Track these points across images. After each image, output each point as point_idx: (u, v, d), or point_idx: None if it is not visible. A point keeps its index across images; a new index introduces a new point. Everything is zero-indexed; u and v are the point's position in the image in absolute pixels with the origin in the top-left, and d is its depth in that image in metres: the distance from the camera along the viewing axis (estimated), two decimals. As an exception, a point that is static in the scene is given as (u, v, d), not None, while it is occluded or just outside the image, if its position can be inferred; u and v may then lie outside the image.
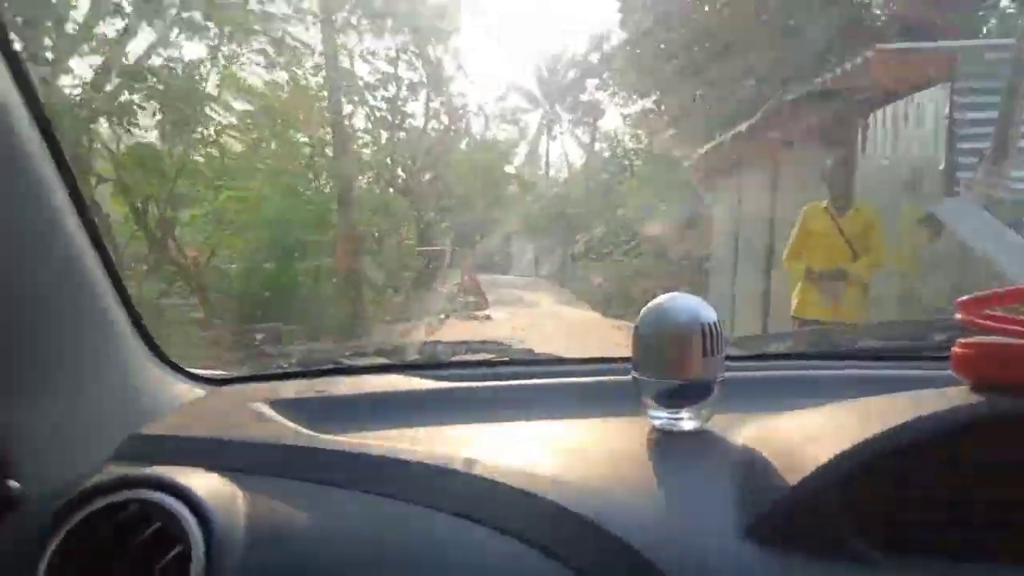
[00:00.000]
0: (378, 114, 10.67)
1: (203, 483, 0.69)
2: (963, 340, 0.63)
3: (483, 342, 1.27)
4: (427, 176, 11.09)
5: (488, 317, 8.27)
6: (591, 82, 21.42)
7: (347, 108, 9.76)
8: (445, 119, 12.08)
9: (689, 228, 6.15)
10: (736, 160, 7.38)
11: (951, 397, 0.60)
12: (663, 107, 10.38)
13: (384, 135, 10.73)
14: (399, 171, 10.65)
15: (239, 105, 7.14)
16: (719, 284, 7.15)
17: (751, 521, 0.58)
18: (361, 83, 10.24)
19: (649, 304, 0.77)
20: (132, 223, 5.45)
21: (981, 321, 0.64)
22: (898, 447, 0.57)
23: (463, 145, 12.92)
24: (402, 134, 11.09)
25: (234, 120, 7.02)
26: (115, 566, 0.63)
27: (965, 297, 0.65)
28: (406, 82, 10.95)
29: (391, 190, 10.18)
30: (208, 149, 6.56)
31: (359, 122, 10.63)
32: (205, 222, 6.27)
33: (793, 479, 0.59)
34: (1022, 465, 0.57)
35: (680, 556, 0.58)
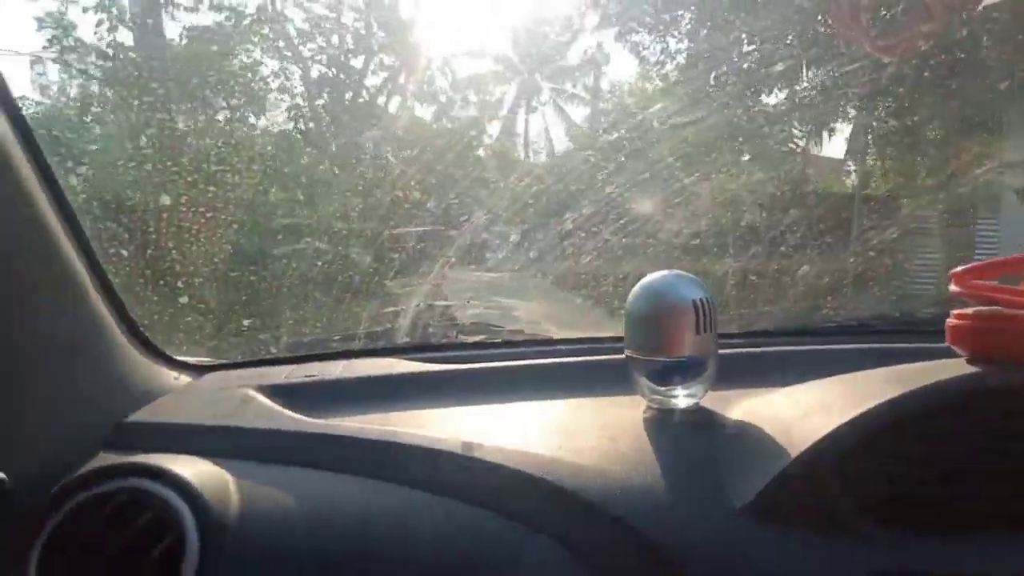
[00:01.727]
0: (317, 71, 9.24)
1: (194, 470, 0.68)
2: (958, 311, 0.63)
3: (475, 324, 1.26)
4: (384, 151, 9.86)
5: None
6: (577, 46, 19.37)
7: (273, 64, 8.82)
8: (407, 83, 10.65)
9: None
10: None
11: (948, 369, 0.60)
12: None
13: (325, 97, 9.36)
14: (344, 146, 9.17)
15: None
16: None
17: (748, 498, 0.58)
18: (293, 32, 8.90)
19: (640, 282, 0.76)
20: (112, 209, 5.37)
21: (976, 292, 0.63)
22: (895, 421, 0.57)
23: (428, 117, 11.72)
24: (348, 95, 9.41)
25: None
26: (107, 555, 0.63)
27: (959, 268, 0.64)
28: (351, 32, 9.39)
29: (334, 168, 8.81)
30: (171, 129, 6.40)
31: (295, 84, 9.19)
32: (186, 206, 6.20)
33: (789, 455, 0.59)
34: (1019, 437, 0.57)
35: (679, 534, 0.58)
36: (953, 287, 0.65)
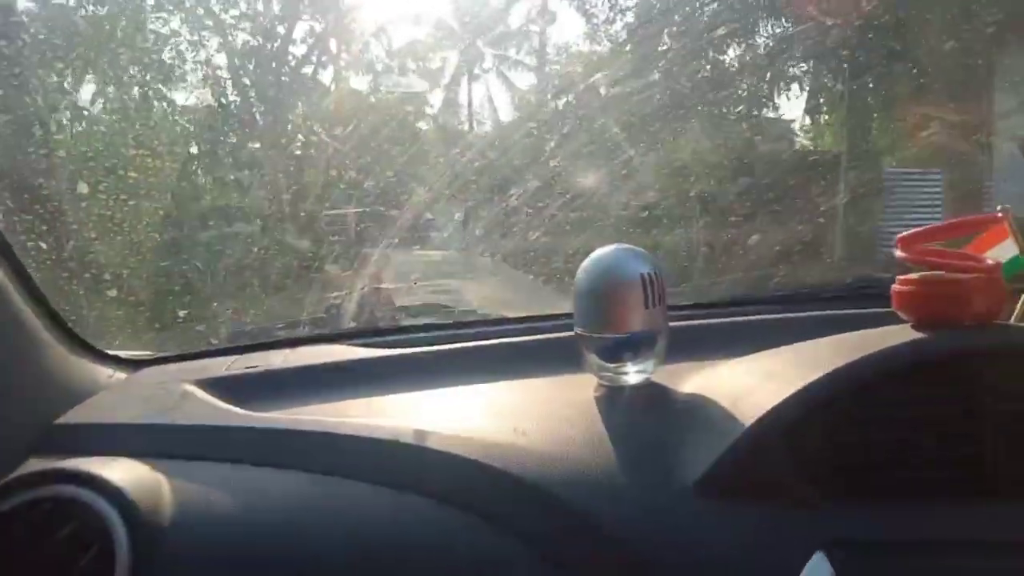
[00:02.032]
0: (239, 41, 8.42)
1: (125, 473, 0.66)
2: (903, 277, 0.63)
3: (423, 306, 1.23)
4: (315, 127, 9.02)
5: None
6: (520, 6, 18.10)
7: (189, 34, 7.90)
8: (339, 53, 9.89)
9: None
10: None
11: (892, 336, 0.60)
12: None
13: (250, 69, 8.66)
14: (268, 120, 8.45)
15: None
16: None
17: (699, 474, 0.58)
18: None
19: (588, 257, 0.75)
20: (25, 200, 5.04)
21: (921, 258, 0.64)
22: (840, 390, 0.57)
23: (364, 88, 10.98)
24: (276, 66, 8.77)
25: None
26: (34, 567, 0.60)
27: (904, 233, 0.65)
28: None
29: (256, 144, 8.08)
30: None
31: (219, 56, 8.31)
32: (105, 193, 5.89)
33: (737, 430, 0.58)
34: (967, 401, 0.58)
35: (631, 516, 0.57)
36: (898, 252, 0.66)
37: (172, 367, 0.99)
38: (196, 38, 7.96)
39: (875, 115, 6.29)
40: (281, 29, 9.35)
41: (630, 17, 8.55)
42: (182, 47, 7.75)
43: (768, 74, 6.88)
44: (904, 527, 0.55)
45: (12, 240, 0.80)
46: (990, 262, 0.63)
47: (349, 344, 1.02)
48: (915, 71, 5.67)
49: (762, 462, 0.57)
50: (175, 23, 7.89)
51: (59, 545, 0.61)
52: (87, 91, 6.17)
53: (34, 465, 0.68)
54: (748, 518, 0.56)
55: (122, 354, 0.99)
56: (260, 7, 9.00)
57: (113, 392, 0.88)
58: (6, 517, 0.62)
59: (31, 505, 0.62)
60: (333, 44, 10.29)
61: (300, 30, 9.54)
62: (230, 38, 8.68)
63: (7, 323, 0.77)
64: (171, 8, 7.86)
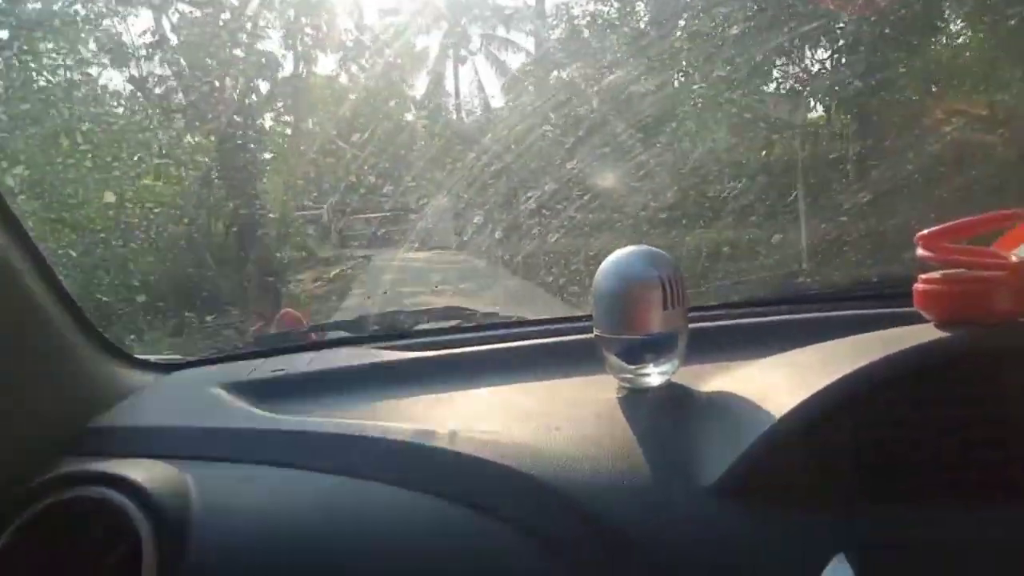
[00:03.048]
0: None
1: (153, 474, 0.67)
2: (925, 276, 0.62)
3: (446, 308, 1.24)
4: (332, 133, 8.62)
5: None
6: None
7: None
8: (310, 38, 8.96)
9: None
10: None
11: (917, 335, 0.59)
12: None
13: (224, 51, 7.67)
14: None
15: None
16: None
17: (719, 475, 0.58)
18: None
19: (607, 259, 0.75)
20: (55, 209, 5.16)
21: (942, 256, 0.63)
22: (862, 391, 0.57)
23: (341, 76, 10.21)
24: (237, 51, 7.66)
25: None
26: (66, 566, 0.62)
27: (925, 231, 0.64)
28: None
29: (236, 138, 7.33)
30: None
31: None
32: (132, 203, 5.98)
33: (758, 430, 0.58)
34: (991, 401, 0.57)
35: (650, 519, 0.57)
36: (920, 251, 0.65)
37: (200, 371, 1.01)
38: (210, 49, 7.68)
39: (898, 112, 6.18)
40: (319, 54, 9.31)
41: (645, 20, 8.43)
42: (199, 56, 7.72)
43: (785, 72, 6.80)
44: (926, 529, 0.54)
45: (44, 247, 0.82)
46: (1015, 259, 0.62)
47: (372, 347, 1.03)
48: (934, 67, 5.55)
49: (782, 463, 0.57)
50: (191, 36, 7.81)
51: (89, 544, 0.63)
52: (112, 101, 6.27)
53: (68, 466, 0.70)
54: (768, 519, 0.56)
55: (151, 358, 1.02)
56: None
57: (143, 395, 0.90)
58: (40, 517, 0.64)
59: (64, 505, 0.64)
60: (364, 58, 10.22)
61: (331, 52, 9.48)
62: (241, 52, 8.33)
63: (41, 329, 0.79)
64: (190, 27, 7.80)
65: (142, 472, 0.67)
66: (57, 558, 0.63)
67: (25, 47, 5.57)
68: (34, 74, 5.60)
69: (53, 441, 0.76)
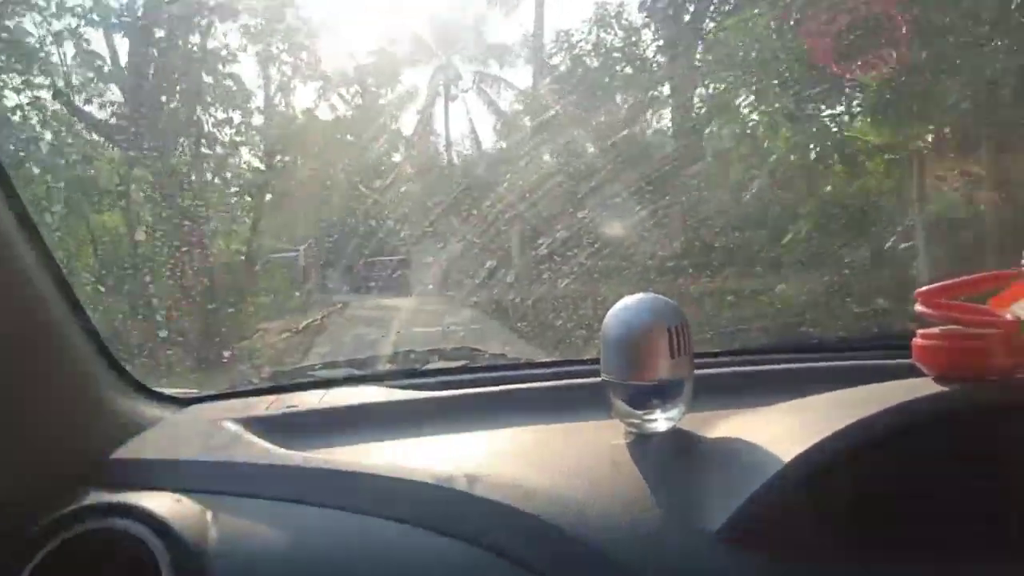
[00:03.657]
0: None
1: (171, 507, 0.69)
2: (923, 331, 0.64)
3: (456, 349, 1.27)
4: (355, 179, 8.52)
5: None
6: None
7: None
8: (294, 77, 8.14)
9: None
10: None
11: (915, 388, 0.61)
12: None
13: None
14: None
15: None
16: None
17: (722, 523, 0.59)
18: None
19: (615, 306, 0.77)
20: (87, 245, 5.28)
21: (940, 313, 0.65)
22: (864, 442, 0.58)
23: (325, 114, 9.44)
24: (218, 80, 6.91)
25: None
26: None
27: (923, 288, 0.66)
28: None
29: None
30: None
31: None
32: (161, 242, 6.09)
33: (761, 478, 0.60)
34: (985, 456, 0.59)
35: (654, 563, 0.58)
36: (919, 307, 0.67)
37: (217, 405, 1.02)
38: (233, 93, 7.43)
39: (901, 168, 6.26)
40: (334, 96, 9.25)
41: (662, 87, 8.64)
42: (226, 99, 7.76)
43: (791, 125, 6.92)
44: None
45: (73, 281, 0.84)
46: (1009, 318, 0.64)
47: (384, 386, 1.05)
48: (944, 121, 5.64)
49: (783, 512, 0.58)
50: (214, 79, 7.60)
51: (111, 574, 0.64)
52: (141, 143, 6.42)
53: (88, 498, 0.71)
54: (770, 566, 0.57)
55: (170, 392, 1.03)
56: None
57: (162, 429, 0.92)
58: (61, 548, 0.65)
59: (85, 537, 0.66)
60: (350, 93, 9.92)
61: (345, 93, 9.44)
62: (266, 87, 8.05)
63: (64, 361, 0.80)
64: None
65: (162, 504, 0.69)
66: None
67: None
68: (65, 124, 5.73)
69: (73, 472, 0.77)
